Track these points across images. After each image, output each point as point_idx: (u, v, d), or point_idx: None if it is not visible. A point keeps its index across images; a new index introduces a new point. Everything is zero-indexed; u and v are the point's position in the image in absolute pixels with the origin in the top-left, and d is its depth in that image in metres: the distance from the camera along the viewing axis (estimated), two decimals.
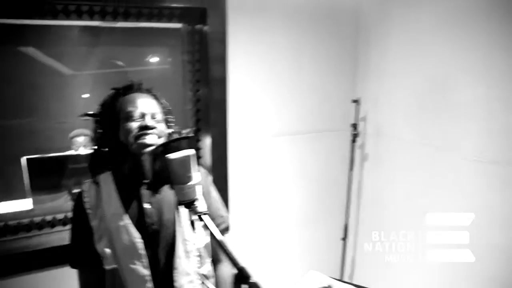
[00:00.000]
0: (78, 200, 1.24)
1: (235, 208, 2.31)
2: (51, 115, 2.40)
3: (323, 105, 2.50)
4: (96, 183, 1.23)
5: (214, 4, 2.09)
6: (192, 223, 0.95)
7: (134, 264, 1.16)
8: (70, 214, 2.04)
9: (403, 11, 2.20)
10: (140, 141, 1.16)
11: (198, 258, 1.22)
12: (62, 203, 2.20)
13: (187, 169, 0.95)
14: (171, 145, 0.96)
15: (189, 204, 0.94)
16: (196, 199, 0.95)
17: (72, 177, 2.24)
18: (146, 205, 1.21)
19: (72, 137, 2.52)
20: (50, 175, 2.21)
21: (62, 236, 1.98)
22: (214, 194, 1.40)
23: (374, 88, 2.45)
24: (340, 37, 2.49)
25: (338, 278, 2.45)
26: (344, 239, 2.52)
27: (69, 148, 2.50)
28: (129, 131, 1.17)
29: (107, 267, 1.18)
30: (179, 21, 2.23)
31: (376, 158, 2.48)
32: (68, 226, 2.02)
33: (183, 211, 0.94)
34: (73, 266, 1.28)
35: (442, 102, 1.99)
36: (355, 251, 2.67)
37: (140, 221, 1.20)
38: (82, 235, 1.22)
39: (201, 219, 0.92)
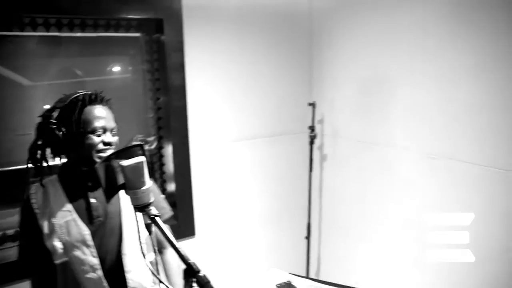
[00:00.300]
0: (25, 202, 1.32)
1: (200, 212, 2.36)
2: (11, 127, 2.36)
3: (281, 108, 2.59)
4: (43, 186, 1.32)
5: (170, 14, 2.14)
6: (148, 226, 1.00)
7: (84, 254, 1.27)
8: None
9: (352, 16, 2.32)
10: (101, 154, 1.28)
11: (145, 245, 1.30)
12: None
13: (141, 175, 1.00)
14: (123, 152, 1.01)
15: (143, 208, 1.00)
16: (150, 203, 1.01)
17: None
18: (92, 200, 1.32)
19: None
20: (10, 188, 2.18)
21: None
22: (154, 187, 1.49)
23: (329, 91, 2.56)
24: (295, 42, 2.60)
25: (304, 275, 2.53)
26: (308, 237, 2.61)
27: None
28: (92, 145, 1.27)
29: (58, 261, 1.26)
30: (136, 31, 2.26)
31: (335, 158, 2.58)
32: None
33: (128, 201, 1.00)
34: (23, 266, 1.34)
35: (393, 103, 2.10)
36: (319, 248, 2.76)
37: (88, 215, 1.31)
38: (31, 235, 1.29)
39: (154, 222, 0.97)
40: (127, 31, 2.23)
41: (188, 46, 2.21)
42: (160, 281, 0.99)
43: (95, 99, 1.32)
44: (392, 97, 2.10)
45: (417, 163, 1.98)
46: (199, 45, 2.25)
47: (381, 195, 2.23)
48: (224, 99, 2.38)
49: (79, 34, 2.14)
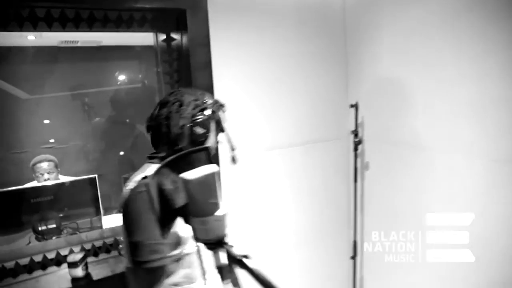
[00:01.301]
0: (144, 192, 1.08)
1: (230, 228, 2.04)
2: (6, 145, 2.09)
3: (316, 111, 2.29)
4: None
5: (193, 4, 1.84)
6: (220, 269, 0.66)
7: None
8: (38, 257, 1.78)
9: (391, 8, 2.06)
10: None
11: None
12: (24, 245, 1.86)
13: (212, 193, 0.66)
14: (182, 160, 0.66)
15: (217, 245, 0.65)
16: (226, 235, 0.67)
17: (36, 212, 1.91)
18: None
19: (34, 164, 2.20)
20: (7, 212, 1.87)
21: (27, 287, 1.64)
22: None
23: (368, 91, 2.27)
24: (329, 38, 2.31)
25: None
26: (354, 257, 2.27)
27: (30, 180, 2.18)
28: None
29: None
30: (151, 28, 1.96)
31: (378, 166, 2.28)
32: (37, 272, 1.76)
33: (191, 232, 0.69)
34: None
35: (439, 103, 1.85)
36: (362, 269, 2.43)
37: None
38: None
39: (241, 264, 0.63)
40: (140, 28, 1.92)
41: (213, 41, 1.91)
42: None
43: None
44: (438, 97, 1.84)
45: (470, 167, 1.74)
46: (225, 40, 1.95)
47: (434, 206, 1.95)
48: (255, 100, 2.08)
49: (80, 44, 1.85)
